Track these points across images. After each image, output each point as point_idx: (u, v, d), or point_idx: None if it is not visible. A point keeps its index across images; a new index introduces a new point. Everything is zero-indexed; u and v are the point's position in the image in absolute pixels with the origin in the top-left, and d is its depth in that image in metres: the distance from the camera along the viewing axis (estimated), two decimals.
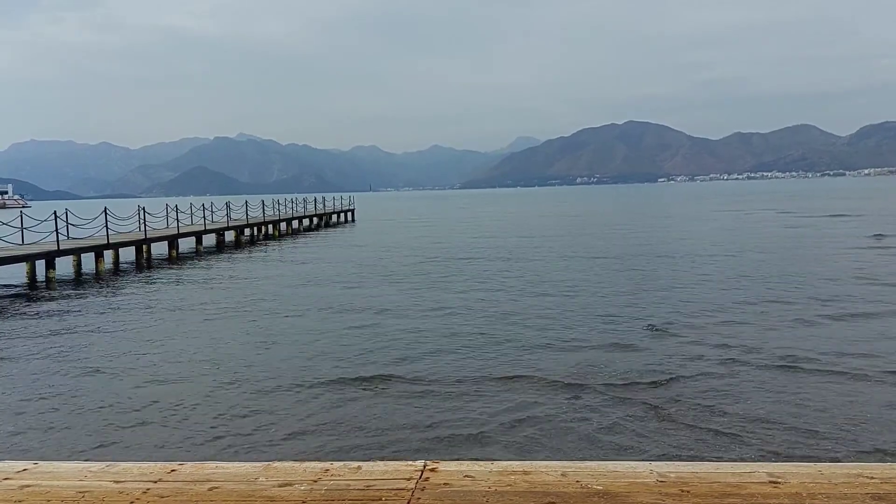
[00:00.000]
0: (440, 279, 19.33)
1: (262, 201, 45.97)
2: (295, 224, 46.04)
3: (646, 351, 10.20)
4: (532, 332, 11.75)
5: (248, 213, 38.46)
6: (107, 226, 24.03)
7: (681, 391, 8.16)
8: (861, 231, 31.34)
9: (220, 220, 36.23)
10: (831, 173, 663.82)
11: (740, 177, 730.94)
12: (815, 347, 10.12)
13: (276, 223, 41.32)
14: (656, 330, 11.57)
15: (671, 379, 8.61)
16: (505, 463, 3.24)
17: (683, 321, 12.40)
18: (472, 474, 3.05)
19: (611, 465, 3.19)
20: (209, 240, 33.27)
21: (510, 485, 2.91)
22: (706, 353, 9.88)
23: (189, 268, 24.05)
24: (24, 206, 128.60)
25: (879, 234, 28.48)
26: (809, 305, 13.51)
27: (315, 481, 3.00)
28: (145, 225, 26.84)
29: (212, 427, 7.40)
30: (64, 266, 22.67)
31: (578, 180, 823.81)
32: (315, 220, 50.53)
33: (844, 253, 22.80)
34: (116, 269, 23.73)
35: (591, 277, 18.94)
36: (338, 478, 3.04)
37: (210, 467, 3.25)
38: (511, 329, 12.01)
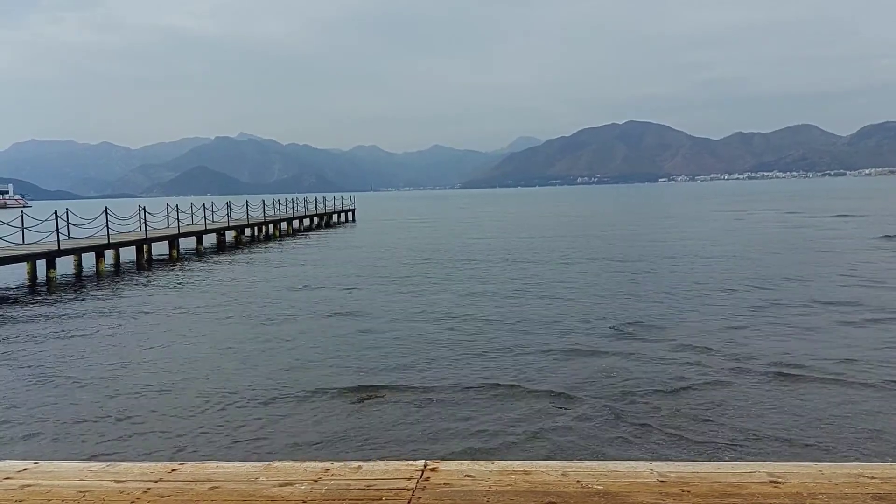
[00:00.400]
0: (440, 281, 19.28)
1: (263, 201, 45.99)
2: (296, 224, 46.06)
3: (643, 358, 10.00)
4: (531, 337, 11.55)
5: (249, 212, 38.49)
6: (107, 225, 24.05)
7: (682, 400, 8.00)
8: (867, 232, 30.91)
9: (220, 220, 36.25)
10: (832, 173, 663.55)
11: (741, 177, 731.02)
12: (827, 355, 9.89)
13: (276, 223, 41.33)
14: (655, 336, 11.35)
15: (674, 388, 8.41)
16: (505, 463, 3.24)
17: (686, 327, 12.20)
18: (473, 474, 3.04)
19: (611, 465, 3.19)
20: (210, 239, 33.30)
21: (511, 484, 2.91)
22: (708, 361, 9.66)
23: (189, 268, 24.06)
24: (24, 206, 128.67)
25: (888, 236, 27.82)
26: (819, 310, 13.22)
27: (315, 481, 3.00)
28: (146, 225, 26.86)
29: (207, 435, 7.33)
30: (65, 266, 22.70)
31: (579, 180, 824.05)
32: (315, 220, 50.55)
33: (854, 255, 22.31)
34: (117, 269, 23.75)
35: (589, 279, 18.93)
36: (338, 477, 3.04)
37: (211, 467, 3.25)
38: (510, 335, 11.80)
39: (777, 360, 9.58)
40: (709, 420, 7.29)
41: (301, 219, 47.62)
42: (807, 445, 6.60)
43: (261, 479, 3.05)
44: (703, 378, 8.83)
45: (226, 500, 2.84)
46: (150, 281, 20.74)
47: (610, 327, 12.15)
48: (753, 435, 6.85)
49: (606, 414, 7.60)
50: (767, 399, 7.97)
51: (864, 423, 7.14)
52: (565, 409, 7.83)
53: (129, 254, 25.88)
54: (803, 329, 11.63)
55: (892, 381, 8.47)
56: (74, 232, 23.82)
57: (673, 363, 9.62)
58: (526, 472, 3.05)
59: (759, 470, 3.03)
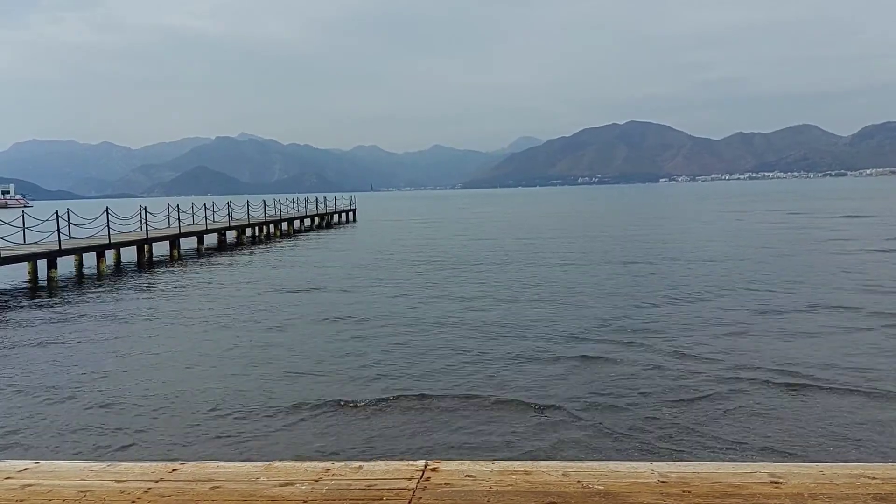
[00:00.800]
0: (439, 283, 19.20)
1: (264, 201, 46.01)
2: (296, 224, 46.08)
3: (644, 365, 9.74)
4: (529, 343, 11.24)
5: (250, 212, 38.50)
6: (108, 225, 24.07)
7: (682, 410, 7.79)
8: (875, 233, 30.42)
9: (221, 219, 36.26)
10: (833, 173, 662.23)
11: (742, 177, 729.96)
12: (838, 363, 9.65)
13: (277, 223, 41.35)
14: (657, 343, 11.01)
15: (674, 398, 8.17)
16: (506, 463, 3.24)
17: (689, 333, 11.96)
18: (474, 474, 3.04)
19: (612, 465, 3.18)
20: (210, 239, 33.33)
21: (511, 485, 2.91)
22: (710, 369, 9.39)
23: (190, 269, 24.08)
24: (25, 206, 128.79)
25: None
26: (832, 316, 12.80)
27: (316, 481, 3.00)
28: (147, 225, 26.88)
29: (205, 443, 7.23)
30: (66, 266, 22.71)
31: (580, 180, 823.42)
32: (316, 220, 50.56)
33: (864, 257, 21.89)
34: (118, 269, 23.77)
35: (590, 282, 18.88)
36: (339, 477, 3.04)
37: (211, 467, 3.25)
38: (507, 341, 11.46)
39: (783, 369, 9.28)
40: (708, 433, 7.08)
41: (302, 219, 47.65)
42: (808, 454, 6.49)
43: (261, 478, 3.05)
44: (704, 387, 8.55)
45: (226, 500, 2.84)
46: (151, 281, 20.76)
47: (610, 332, 11.92)
48: (755, 447, 6.67)
49: (605, 425, 7.40)
50: (771, 411, 7.69)
51: (867, 432, 7.01)
52: (563, 419, 7.61)
53: (130, 254, 25.91)
54: (814, 336, 11.29)
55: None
56: (75, 232, 23.85)
57: (674, 371, 9.36)
58: (527, 472, 3.04)
59: (760, 470, 3.03)
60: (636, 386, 8.77)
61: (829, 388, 8.44)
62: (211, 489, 2.95)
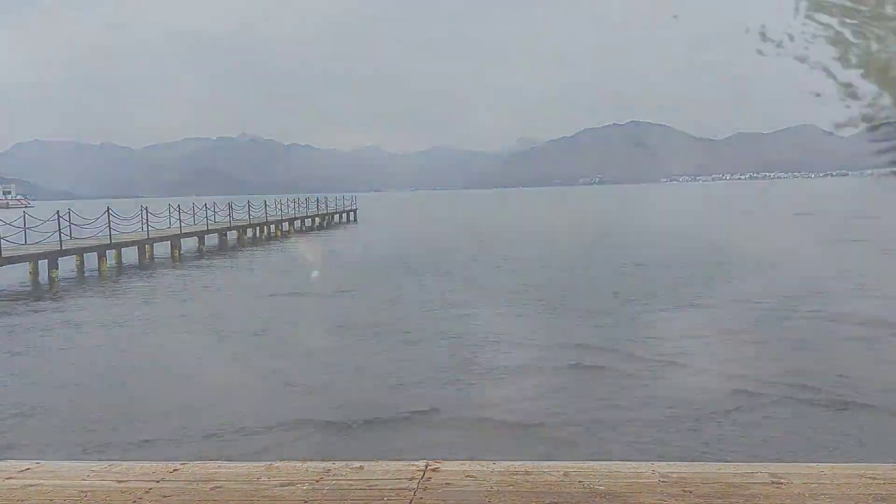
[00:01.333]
0: (437, 287, 19.05)
1: (265, 201, 46.01)
2: (297, 224, 46.10)
3: (644, 377, 9.54)
4: (526, 351, 11.06)
5: (251, 213, 38.49)
6: (109, 226, 24.08)
7: (684, 423, 7.64)
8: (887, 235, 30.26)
9: (222, 220, 36.25)
10: (834, 174, 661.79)
11: (743, 177, 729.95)
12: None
13: (278, 224, 41.36)
14: (658, 351, 10.81)
15: (680, 412, 7.97)
16: (507, 463, 3.24)
17: (697, 341, 11.82)
18: (474, 474, 3.04)
19: (613, 466, 3.19)
20: (211, 240, 33.33)
21: (512, 485, 2.91)
22: (720, 382, 9.12)
23: (191, 270, 24.11)
24: (27, 206, 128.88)
25: None
26: (835, 322, 12.64)
27: (317, 481, 3.01)
28: (148, 225, 26.90)
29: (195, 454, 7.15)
30: (67, 266, 22.71)
31: (581, 181, 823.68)
32: (317, 220, 50.57)
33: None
34: (119, 270, 23.78)
35: (590, 282, 18.87)
36: (340, 478, 3.04)
37: (212, 467, 3.25)
38: (502, 348, 11.25)
39: (790, 380, 9.07)
40: (713, 446, 6.94)
41: (302, 219, 47.68)
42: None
43: (262, 478, 3.05)
44: (712, 398, 8.39)
45: (228, 500, 2.84)
46: (152, 282, 20.78)
47: (609, 340, 11.74)
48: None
49: (605, 437, 7.31)
50: (774, 430, 7.50)
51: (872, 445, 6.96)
52: (562, 434, 7.48)
53: (131, 254, 25.92)
54: (820, 344, 11.16)
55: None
56: (77, 232, 23.86)
57: (678, 381, 9.19)
58: (528, 473, 3.04)
59: (762, 470, 3.03)
60: (639, 396, 8.63)
61: (838, 399, 8.27)
62: (212, 489, 2.95)
